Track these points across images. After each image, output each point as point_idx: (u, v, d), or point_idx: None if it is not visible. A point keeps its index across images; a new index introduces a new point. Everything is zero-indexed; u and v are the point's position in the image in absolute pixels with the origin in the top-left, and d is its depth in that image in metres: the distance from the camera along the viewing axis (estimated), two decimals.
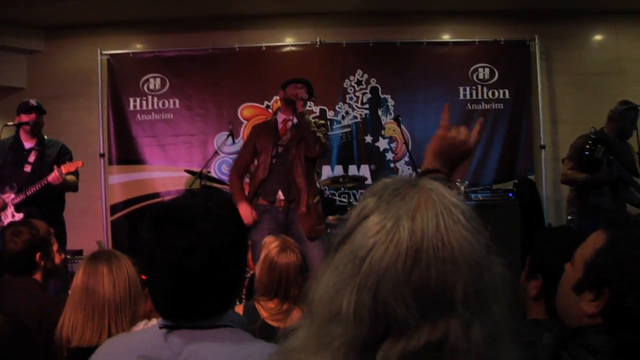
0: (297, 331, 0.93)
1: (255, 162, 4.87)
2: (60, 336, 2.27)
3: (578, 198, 5.32)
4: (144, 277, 1.53)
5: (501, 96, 7.11)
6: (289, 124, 4.82)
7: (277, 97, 6.58)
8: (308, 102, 5.02)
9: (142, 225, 1.42)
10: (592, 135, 4.98)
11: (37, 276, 2.81)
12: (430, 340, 0.81)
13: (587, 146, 4.93)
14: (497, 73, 7.12)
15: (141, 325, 2.13)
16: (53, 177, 4.72)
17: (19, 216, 4.82)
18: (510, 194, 6.19)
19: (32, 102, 5.03)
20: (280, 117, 4.92)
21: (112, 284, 2.26)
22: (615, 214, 4.71)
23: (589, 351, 1.32)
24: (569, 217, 5.48)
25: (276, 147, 4.74)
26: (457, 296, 0.82)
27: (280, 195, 4.65)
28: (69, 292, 2.35)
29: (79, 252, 6.55)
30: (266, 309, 2.77)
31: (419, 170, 1.77)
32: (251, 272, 4.31)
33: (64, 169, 4.80)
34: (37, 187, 4.80)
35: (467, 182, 6.51)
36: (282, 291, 2.80)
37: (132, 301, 2.29)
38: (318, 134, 4.67)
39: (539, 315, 1.79)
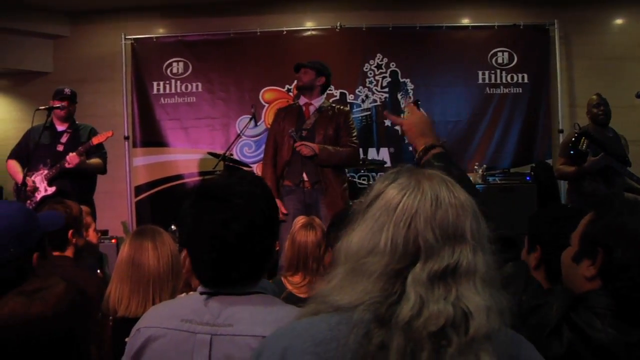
0: (332, 278, 1.15)
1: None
2: (107, 306, 2.40)
3: (574, 188, 5.55)
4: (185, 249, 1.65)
5: (520, 80, 7.12)
6: (312, 108, 4.93)
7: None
8: (326, 86, 5.14)
9: (185, 201, 1.57)
10: (575, 132, 5.26)
11: (69, 252, 2.89)
12: (450, 262, 1.07)
13: (571, 143, 5.21)
14: (516, 57, 7.13)
15: None
16: (69, 158, 4.91)
17: (51, 190, 5.01)
18: (528, 178, 6.24)
19: (67, 90, 5.22)
20: (302, 100, 5.04)
21: (157, 258, 2.38)
22: (596, 197, 4.96)
23: (593, 313, 1.47)
24: (568, 206, 5.64)
25: (300, 131, 4.84)
26: (467, 229, 1.11)
27: (305, 176, 4.76)
28: (115, 265, 2.47)
29: (105, 232, 6.70)
30: (291, 283, 2.94)
31: (415, 150, 1.94)
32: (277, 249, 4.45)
33: (95, 140, 5.02)
34: (59, 166, 4.99)
35: (485, 166, 6.56)
36: (302, 265, 2.96)
37: (174, 275, 2.42)
38: (349, 147, 4.86)
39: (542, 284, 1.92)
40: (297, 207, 4.75)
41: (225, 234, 1.47)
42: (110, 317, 2.38)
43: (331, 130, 4.85)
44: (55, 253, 2.90)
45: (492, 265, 1.11)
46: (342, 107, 5.20)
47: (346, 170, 5.68)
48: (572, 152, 5.33)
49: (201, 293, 1.55)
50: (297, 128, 4.87)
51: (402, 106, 7.11)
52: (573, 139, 5.33)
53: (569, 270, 1.63)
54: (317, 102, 5.03)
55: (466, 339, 1.01)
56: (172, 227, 4.77)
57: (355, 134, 5.05)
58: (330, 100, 5.97)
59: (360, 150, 6.87)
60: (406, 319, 1.02)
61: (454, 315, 1.02)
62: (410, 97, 7.03)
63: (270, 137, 5.13)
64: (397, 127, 7.08)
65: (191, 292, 2.20)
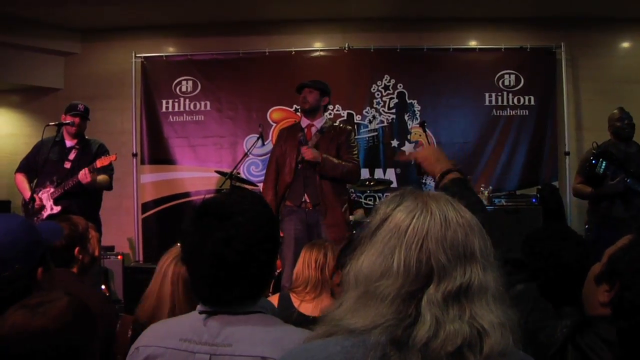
0: (342, 302, 1.16)
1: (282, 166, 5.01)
2: (139, 312, 2.38)
3: (592, 209, 5.47)
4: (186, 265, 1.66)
5: (526, 102, 7.14)
6: (313, 129, 4.94)
7: None
8: (329, 106, 5.14)
9: (186, 219, 1.58)
10: (593, 151, 5.13)
11: (75, 269, 2.88)
12: (463, 281, 1.09)
13: (588, 163, 5.10)
14: (522, 79, 7.16)
15: None
16: (81, 175, 4.94)
17: (57, 209, 5.03)
18: (534, 200, 6.24)
19: (81, 107, 5.26)
20: (304, 122, 5.05)
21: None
22: None
23: (600, 339, 1.48)
24: (586, 227, 5.60)
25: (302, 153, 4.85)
26: (476, 248, 1.13)
27: (306, 198, 4.78)
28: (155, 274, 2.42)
29: (111, 248, 6.74)
30: (298, 297, 2.99)
31: (434, 178, 2.01)
32: (278, 270, 4.47)
33: (98, 163, 5.01)
34: (71, 183, 5.02)
35: (491, 188, 6.57)
36: (313, 282, 3.02)
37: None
38: (351, 162, 4.84)
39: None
40: (298, 227, 4.77)
41: (225, 252, 1.48)
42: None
43: (333, 150, 4.86)
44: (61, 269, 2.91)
45: (500, 282, 1.14)
46: (343, 126, 5.20)
47: (350, 190, 5.69)
48: (588, 169, 5.23)
49: (200, 312, 1.55)
50: (299, 149, 4.87)
51: (410, 127, 7.14)
52: (591, 158, 5.23)
53: (589, 287, 1.62)
54: (319, 122, 5.03)
55: (481, 357, 1.03)
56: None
57: (356, 152, 5.05)
58: (338, 121, 6.01)
59: (367, 170, 6.95)
60: (423, 341, 1.04)
61: (470, 335, 1.04)
62: (417, 119, 7.06)
63: (272, 160, 5.14)
64: (404, 149, 7.12)
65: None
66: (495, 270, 1.14)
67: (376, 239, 1.16)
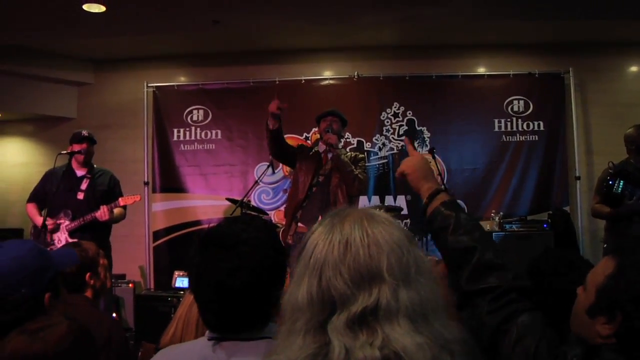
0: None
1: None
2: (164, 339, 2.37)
3: (610, 227, 5.41)
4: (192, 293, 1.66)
5: (536, 128, 7.15)
6: (329, 155, 4.97)
7: (315, 129, 6.78)
8: (344, 135, 5.15)
9: (191, 248, 1.59)
10: (610, 171, 5.08)
11: (88, 294, 2.88)
12: (367, 305, 1.04)
13: (605, 183, 5.05)
14: (531, 105, 7.18)
15: None
16: (100, 214, 5.02)
17: (72, 241, 5.06)
18: (545, 225, 6.21)
19: (85, 132, 5.32)
20: (321, 147, 5.08)
21: None
22: (621, 241, 4.73)
23: None
24: (604, 245, 5.55)
25: (317, 176, 4.89)
26: (383, 267, 1.07)
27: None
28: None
29: (122, 276, 6.75)
30: None
31: (419, 193, 1.84)
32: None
33: (122, 201, 5.12)
34: (87, 218, 5.07)
35: (502, 213, 6.56)
36: None
37: None
38: (356, 172, 4.83)
39: None
40: None
41: (231, 282, 1.47)
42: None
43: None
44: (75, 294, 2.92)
45: (428, 297, 1.08)
46: (357, 154, 5.22)
47: None
48: (605, 189, 5.09)
49: (209, 338, 1.56)
50: (315, 173, 4.90)
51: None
52: (608, 178, 5.16)
53: (580, 320, 1.55)
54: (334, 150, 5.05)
55: None
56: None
57: (364, 171, 5.06)
58: (348, 149, 6.03)
59: (377, 197, 6.94)
60: None
61: None
62: (427, 145, 7.07)
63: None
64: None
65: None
66: (421, 285, 1.08)
67: (297, 267, 1.15)
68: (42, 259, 1.94)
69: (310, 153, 5.13)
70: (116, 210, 5.21)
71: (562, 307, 1.68)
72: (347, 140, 7.14)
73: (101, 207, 5.05)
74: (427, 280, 1.11)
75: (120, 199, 5.16)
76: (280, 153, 5.10)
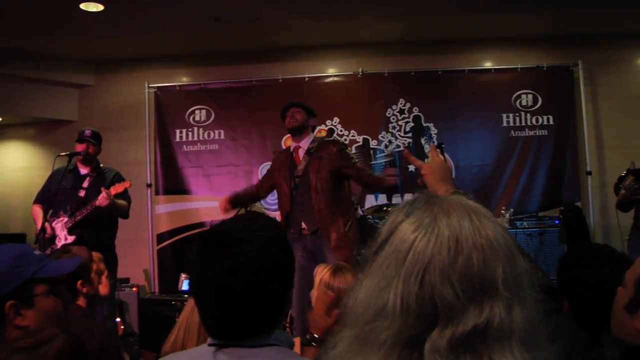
0: (337, 342, 0.95)
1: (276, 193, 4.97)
2: (166, 345, 2.29)
3: (634, 224, 5.35)
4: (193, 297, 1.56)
5: (545, 122, 7.03)
6: (301, 151, 4.79)
7: (321, 127, 6.68)
8: (347, 133, 5.05)
9: (192, 248, 1.47)
10: (622, 174, 5.10)
11: (81, 302, 2.79)
12: (477, 323, 0.84)
13: (618, 179, 5.09)
14: (540, 99, 7.06)
15: None
16: (100, 198, 4.86)
17: (71, 238, 4.96)
18: (557, 221, 6.11)
19: (87, 132, 5.22)
20: (292, 145, 4.92)
21: None
22: None
23: None
24: (627, 238, 5.49)
25: (293, 180, 4.70)
26: (499, 278, 0.86)
27: (304, 225, 4.63)
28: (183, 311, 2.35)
29: (126, 280, 6.68)
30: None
31: None
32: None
33: (113, 190, 4.94)
34: (87, 210, 4.95)
35: (512, 210, 6.45)
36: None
37: None
38: (367, 170, 4.74)
39: None
40: (301, 254, 4.62)
41: (232, 282, 1.37)
42: None
43: (325, 171, 4.58)
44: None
45: (535, 320, 0.89)
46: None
47: (356, 209, 5.56)
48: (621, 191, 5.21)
49: (210, 345, 1.45)
50: (290, 176, 4.73)
51: (427, 151, 7.04)
52: (622, 174, 5.21)
53: (620, 318, 1.46)
54: (306, 144, 4.80)
55: None
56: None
57: (358, 161, 4.87)
58: (354, 147, 5.92)
59: (384, 196, 6.83)
60: None
61: None
62: (434, 141, 6.96)
63: (267, 178, 5.06)
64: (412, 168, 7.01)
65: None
66: (530, 304, 0.89)
67: (377, 262, 0.93)
68: (16, 265, 1.78)
69: (281, 154, 5.02)
70: (119, 201, 5.07)
71: (600, 302, 1.58)
72: (353, 138, 7.03)
73: (102, 189, 4.90)
74: (534, 293, 0.92)
75: (111, 187, 5.00)
76: (270, 189, 5.08)
